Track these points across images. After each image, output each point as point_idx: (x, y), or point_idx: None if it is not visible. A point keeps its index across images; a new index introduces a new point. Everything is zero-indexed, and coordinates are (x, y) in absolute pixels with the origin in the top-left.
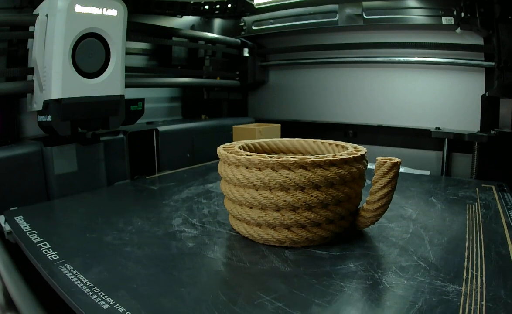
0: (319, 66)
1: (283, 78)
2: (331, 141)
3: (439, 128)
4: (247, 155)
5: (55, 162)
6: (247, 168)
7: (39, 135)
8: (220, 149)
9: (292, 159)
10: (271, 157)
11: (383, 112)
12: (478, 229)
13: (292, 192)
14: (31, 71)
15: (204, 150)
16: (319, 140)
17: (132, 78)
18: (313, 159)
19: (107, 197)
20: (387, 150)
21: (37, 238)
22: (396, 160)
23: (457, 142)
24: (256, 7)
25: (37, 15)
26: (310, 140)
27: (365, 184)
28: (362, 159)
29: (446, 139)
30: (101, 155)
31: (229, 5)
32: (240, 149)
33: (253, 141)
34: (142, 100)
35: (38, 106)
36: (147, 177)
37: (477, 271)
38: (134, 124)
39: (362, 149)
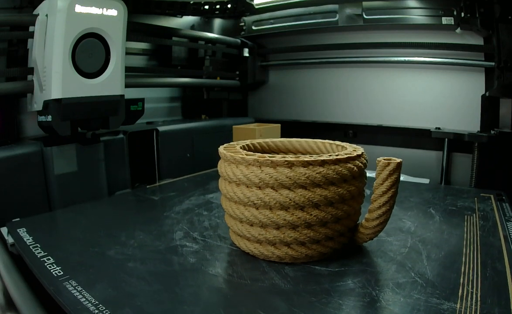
0: (319, 66)
1: (283, 78)
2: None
3: (439, 128)
4: (246, 170)
5: (55, 162)
6: (247, 187)
7: (39, 135)
8: (221, 166)
9: (291, 175)
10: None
11: (383, 112)
12: (475, 243)
13: (292, 211)
14: (31, 71)
15: (204, 150)
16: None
17: (132, 78)
18: (312, 179)
19: (109, 208)
20: (387, 150)
21: (40, 252)
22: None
23: (457, 142)
24: (256, 7)
25: (37, 15)
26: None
27: (365, 195)
28: (361, 176)
29: (446, 139)
30: (101, 155)
31: (229, 5)
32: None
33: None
34: (142, 100)
35: (38, 106)
36: (148, 186)
37: (472, 288)
38: (134, 124)
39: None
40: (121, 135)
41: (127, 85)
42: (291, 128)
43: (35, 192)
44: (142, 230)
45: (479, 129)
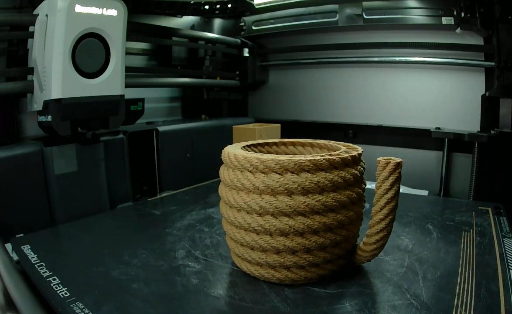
0: (319, 66)
1: (283, 78)
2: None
3: (439, 128)
4: (247, 198)
5: (55, 162)
6: (248, 213)
7: (39, 135)
8: (221, 190)
9: (290, 203)
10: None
11: (383, 112)
12: (471, 262)
13: (291, 237)
14: (31, 71)
15: (204, 150)
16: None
17: (132, 78)
18: (311, 207)
19: (111, 223)
20: (387, 150)
21: (46, 272)
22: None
23: (457, 142)
24: (256, 7)
25: (37, 15)
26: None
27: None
28: (360, 200)
29: (446, 139)
30: (101, 155)
31: (229, 5)
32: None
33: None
34: (142, 100)
35: (38, 106)
36: (149, 199)
37: (465, 310)
38: (134, 124)
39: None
40: (121, 135)
41: (127, 85)
42: (291, 128)
43: (35, 192)
44: (144, 248)
45: (479, 129)
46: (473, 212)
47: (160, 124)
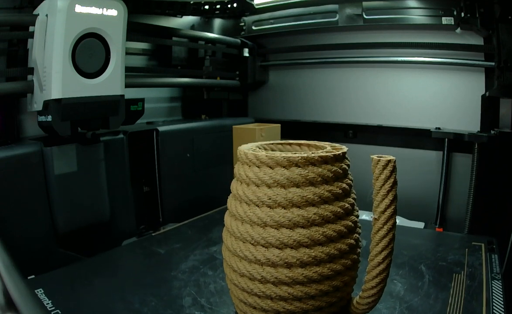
0: (319, 66)
1: (283, 78)
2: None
3: (439, 128)
4: (249, 267)
5: (55, 162)
6: (250, 279)
7: (39, 135)
8: (225, 253)
9: (290, 275)
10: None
11: (383, 112)
12: (458, 309)
13: (290, 302)
14: (31, 71)
15: (204, 150)
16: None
17: (132, 78)
18: (309, 278)
19: (119, 264)
20: (387, 150)
21: None
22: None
23: (457, 142)
24: (256, 7)
25: (37, 15)
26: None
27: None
28: (354, 264)
29: (446, 139)
30: (101, 155)
31: (229, 5)
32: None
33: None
34: (142, 100)
35: (38, 106)
36: (153, 234)
37: None
38: (134, 124)
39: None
40: (121, 135)
41: (127, 85)
42: (291, 128)
43: (35, 192)
44: (153, 294)
45: (479, 129)
46: (466, 249)
47: (160, 124)
